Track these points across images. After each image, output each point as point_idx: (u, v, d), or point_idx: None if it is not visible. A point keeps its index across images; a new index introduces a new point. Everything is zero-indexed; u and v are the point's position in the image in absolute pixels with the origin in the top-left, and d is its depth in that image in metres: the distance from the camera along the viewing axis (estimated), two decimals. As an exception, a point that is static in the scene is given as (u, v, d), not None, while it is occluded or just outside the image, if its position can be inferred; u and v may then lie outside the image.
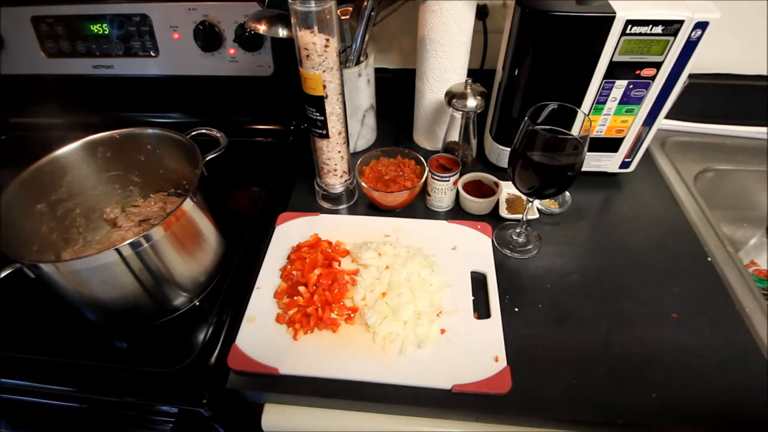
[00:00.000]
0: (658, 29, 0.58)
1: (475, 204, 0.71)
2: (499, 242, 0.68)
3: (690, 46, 0.60)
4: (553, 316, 0.59)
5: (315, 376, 0.52)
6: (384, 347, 0.54)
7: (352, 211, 0.75)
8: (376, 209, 0.74)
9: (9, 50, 0.86)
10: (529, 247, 0.67)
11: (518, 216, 0.69)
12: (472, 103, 0.68)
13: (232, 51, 0.82)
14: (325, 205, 0.75)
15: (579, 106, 0.62)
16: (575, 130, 0.56)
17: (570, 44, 0.61)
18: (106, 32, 0.83)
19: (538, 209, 0.72)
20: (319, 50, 0.56)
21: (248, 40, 0.79)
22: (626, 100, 0.66)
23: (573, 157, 0.53)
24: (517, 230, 0.68)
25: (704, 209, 0.73)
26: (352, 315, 0.57)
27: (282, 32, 0.66)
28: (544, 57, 0.63)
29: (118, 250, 0.50)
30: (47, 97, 0.92)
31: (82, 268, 0.51)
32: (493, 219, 0.71)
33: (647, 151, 0.81)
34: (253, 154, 0.87)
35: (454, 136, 0.76)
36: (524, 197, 0.67)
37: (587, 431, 0.51)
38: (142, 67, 0.86)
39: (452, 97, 0.69)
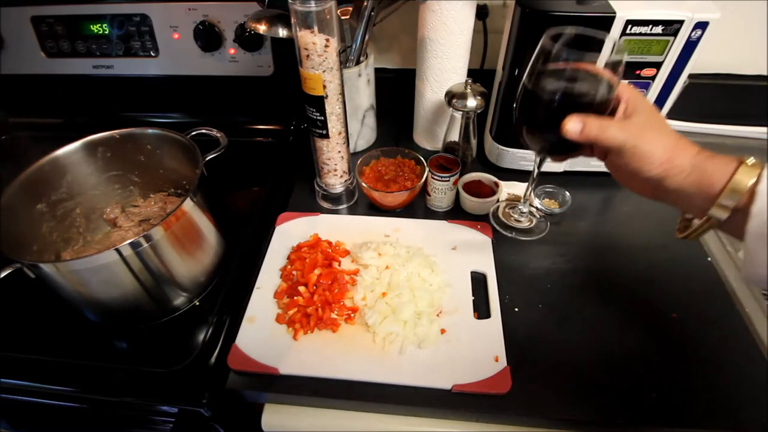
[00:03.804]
0: (658, 29, 0.58)
1: (475, 204, 0.71)
2: (500, 224, 0.69)
3: (690, 46, 0.60)
4: (553, 316, 0.59)
5: (315, 376, 0.52)
6: (384, 347, 0.54)
7: (352, 211, 0.75)
8: (376, 209, 0.74)
9: (9, 50, 0.86)
10: (532, 227, 0.68)
11: (516, 221, 0.70)
12: (472, 103, 0.68)
13: (232, 51, 0.82)
14: (325, 205, 0.75)
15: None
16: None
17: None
18: (106, 32, 0.83)
19: (538, 209, 0.72)
20: (319, 50, 0.56)
21: (248, 40, 0.79)
22: (626, 100, 0.66)
23: (603, 91, 0.43)
24: (522, 209, 0.69)
25: (704, 209, 0.73)
26: (352, 315, 0.57)
27: (282, 32, 0.66)
28: (544, 57, 0.63)
29: (118, 250, 0.50)
30: (47, 97, 0.93)
31: (82, 268, 0.50)
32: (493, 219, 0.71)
33: (647, 151, 0.81)
34: (253, 154, 0.87)
35: (454, 136, 0.76)
36: (529, 190, 0.67)
37: (587, 431, 0.51)
38: (142, 67, 0.86)
39: (452, 97, 0.69)
